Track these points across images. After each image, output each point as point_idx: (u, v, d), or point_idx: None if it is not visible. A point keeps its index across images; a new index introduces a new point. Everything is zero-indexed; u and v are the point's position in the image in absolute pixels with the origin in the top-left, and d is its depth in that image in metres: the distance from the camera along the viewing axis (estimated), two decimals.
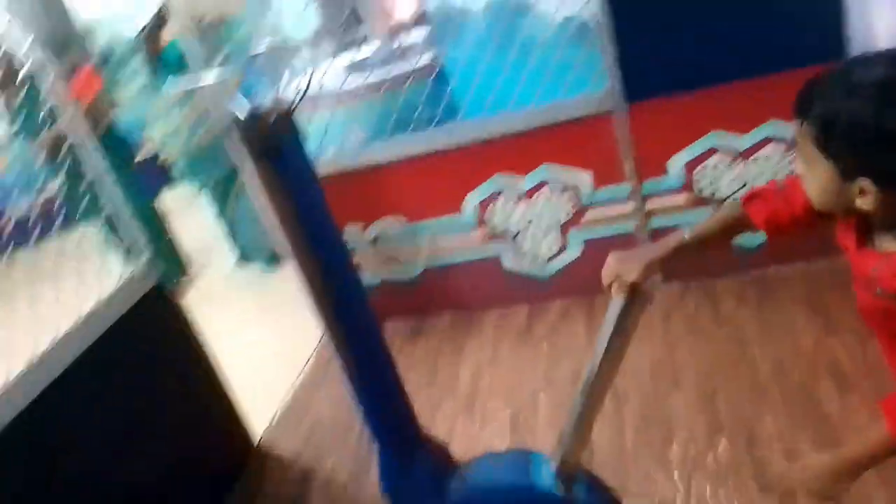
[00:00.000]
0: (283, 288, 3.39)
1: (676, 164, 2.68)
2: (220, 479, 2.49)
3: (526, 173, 2.82)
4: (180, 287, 4.17)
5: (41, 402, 1.86)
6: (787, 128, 2.32)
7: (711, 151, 2.63)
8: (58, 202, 2.42)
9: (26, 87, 2.13)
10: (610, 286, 1.25)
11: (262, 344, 3.46)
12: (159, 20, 3.79)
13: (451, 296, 3.19)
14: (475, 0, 3.33)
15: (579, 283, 2.92)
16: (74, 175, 2.30)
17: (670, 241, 1.25)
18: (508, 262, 3.05)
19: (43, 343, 1.94)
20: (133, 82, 4.28)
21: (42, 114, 2.23)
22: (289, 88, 3.05)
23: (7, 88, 3.14)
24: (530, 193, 2.86)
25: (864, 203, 0.97)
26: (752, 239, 2.61)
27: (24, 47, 2.13)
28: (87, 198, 2.21)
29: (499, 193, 2.89)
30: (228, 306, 4.02)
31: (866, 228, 1.07)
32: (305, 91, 1.45)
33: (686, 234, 1.25)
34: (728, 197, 2.68)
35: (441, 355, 2.98)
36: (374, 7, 4.53)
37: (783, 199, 1.19)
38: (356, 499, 2.31)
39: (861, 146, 0.93)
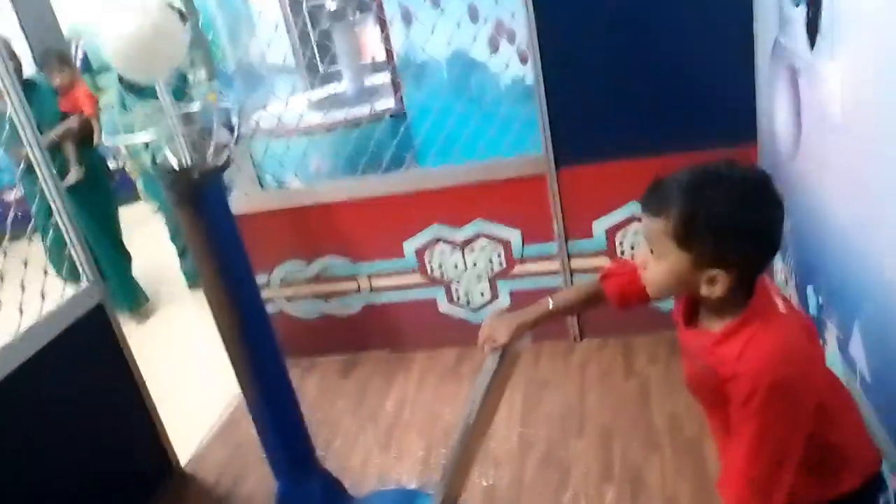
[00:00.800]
0: None
1: (600, 227, 2.88)
2: (137, 497, 2.60)
3: (462, 225, 3.00)
4: (139, 316, 4.26)
5: None
6: None
7: (632, 218, 2.84)
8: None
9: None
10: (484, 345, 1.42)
11: (207, 366, 3.55)
12: None
13: (388, 333, 3.34)
14: (438, 49, 3.54)
15: None
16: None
17: (538, 308, 1.43)
18: (443, 306, 3.21)
19: None
20: (112, 90, 4.40)
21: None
22: (254, 116, 3.18)
23: None
24: (466, 243, 3.04)
25: (711, 290, 1.09)
26: (668, 303, 2.80)
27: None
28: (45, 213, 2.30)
29: (437, 241, 3.07)
30: (178, 328, 4.14)
31: (694, 309, 1.24)
32: (237, 140, 1.62)
33: (551, 304, 1.43)
34: None
35: (370, 387, 3.12)
36: (345, 45, 4.71)
37: (630, 279, 1.37)
38: None
39: (720, 240, 1.05)
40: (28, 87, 3.36)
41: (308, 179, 3.34)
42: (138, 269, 4.37)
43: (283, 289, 3.31)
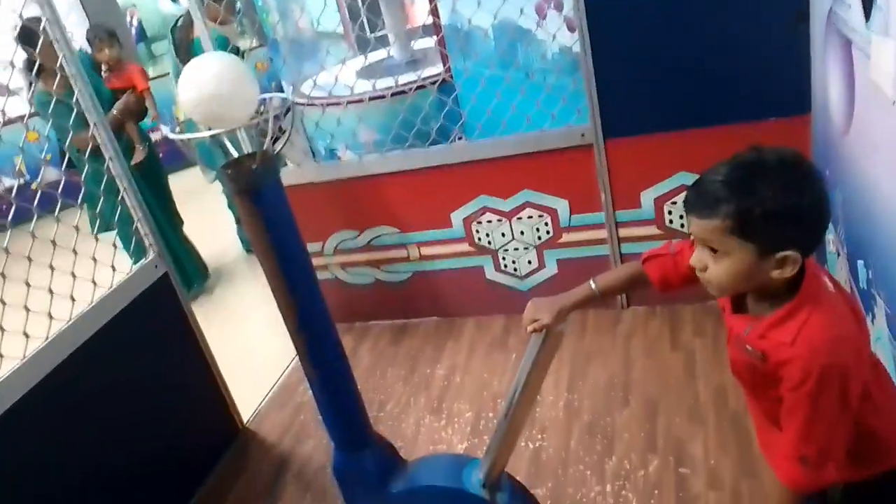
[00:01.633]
0: None
1: (648, 197, 2.88)
2: (204, 458, 2.77)
3: (508, 196, 3.04)
4: (200, 291, 4.39)
5: (51, 380, 2.13)
6: None
7: (681, 188, 2.83)
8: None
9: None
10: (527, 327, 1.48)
11: (264, 328, 3.71)
12: (190, 17, 4.01)
13: (437, 301, 3.43)
14: (484, 18, 3.52)
15: None
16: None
17: (580, 291, 1.47)
18: (491, 274, 3.27)
19: (56, 325, 2.20)
20: (168, 57, 4.47)
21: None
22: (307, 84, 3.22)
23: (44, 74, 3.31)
24: (513, 213, 3.08)
25: (783, 272, 1.12)
26: None
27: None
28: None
29: (484, 211, 3.11)
30: (236, 295, 4.32)
31: (741, 295, 1.27)
32: (290, 132, 1.69)
33: (593, 285, 1.47)
34: None
35: (421, 355, 3.22)
36: (393, 10, 4.71)
37: (674, 262, 1.40)
38: (325, 484, 2.56)
39: (780, 223, 1.09)
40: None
41: (358, 150, 3.41)
42: (193, 237, 4.52)
43: (337, 256, 3.42)
